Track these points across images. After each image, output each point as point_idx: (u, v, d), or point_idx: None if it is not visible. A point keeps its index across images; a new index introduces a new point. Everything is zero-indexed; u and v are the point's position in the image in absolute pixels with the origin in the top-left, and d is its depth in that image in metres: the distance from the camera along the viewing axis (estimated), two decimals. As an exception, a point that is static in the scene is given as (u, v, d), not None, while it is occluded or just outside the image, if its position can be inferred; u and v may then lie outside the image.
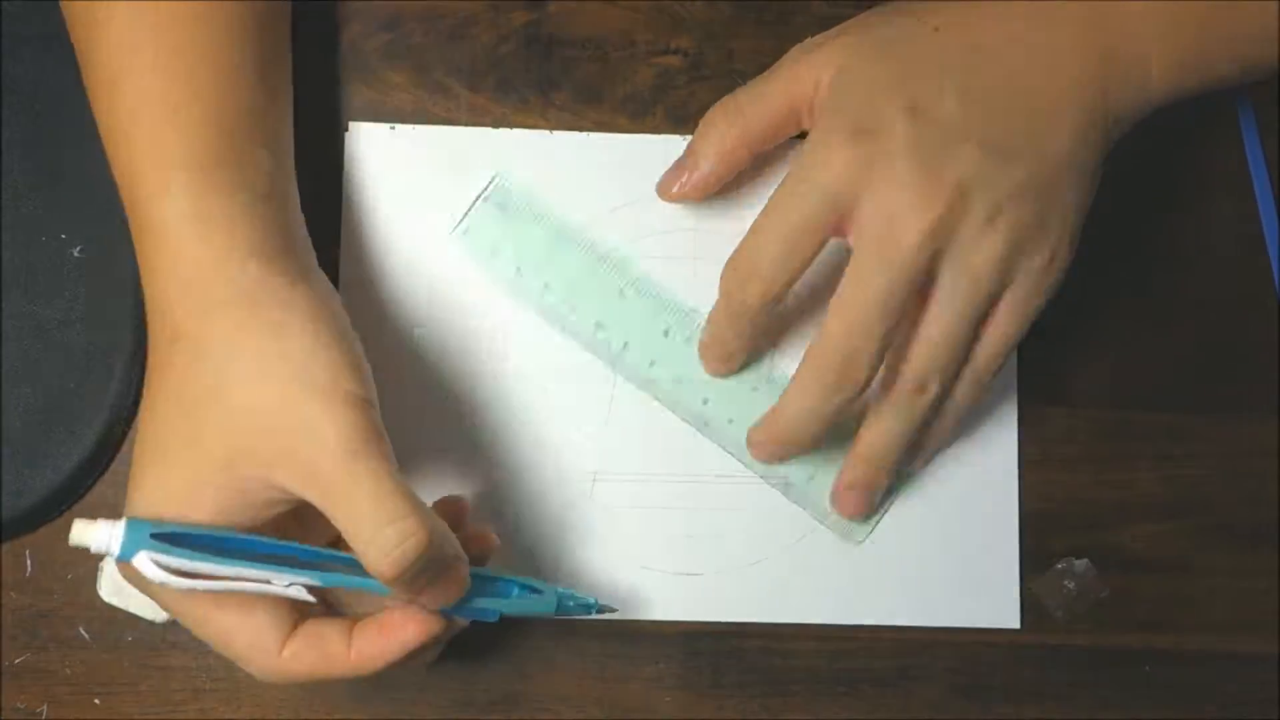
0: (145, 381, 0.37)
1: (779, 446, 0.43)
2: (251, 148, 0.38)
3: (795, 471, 0.46)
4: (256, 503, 0.36)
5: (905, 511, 0.46)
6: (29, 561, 0.45)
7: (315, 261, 0.40)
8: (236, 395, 0.35)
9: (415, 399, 0.45)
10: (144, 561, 0.34)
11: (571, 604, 0.41)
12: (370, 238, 0.46)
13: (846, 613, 0.46)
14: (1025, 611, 0.46)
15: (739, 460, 0.45)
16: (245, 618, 0.36)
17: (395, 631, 0.37)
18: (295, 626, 0.37)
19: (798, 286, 0.41)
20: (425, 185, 0.46)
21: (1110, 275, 0.48)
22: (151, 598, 0.37)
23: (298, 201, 0.41)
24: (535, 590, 0.40)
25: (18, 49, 0.45)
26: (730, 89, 0.47)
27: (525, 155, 0.47)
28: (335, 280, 0.46)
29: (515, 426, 0.46)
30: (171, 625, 0.44)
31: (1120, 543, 0.47)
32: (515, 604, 0.40)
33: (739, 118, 0.43)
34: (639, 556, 0.45)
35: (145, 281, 0.38)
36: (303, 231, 0.40)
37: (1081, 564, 0.47)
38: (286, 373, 0.35)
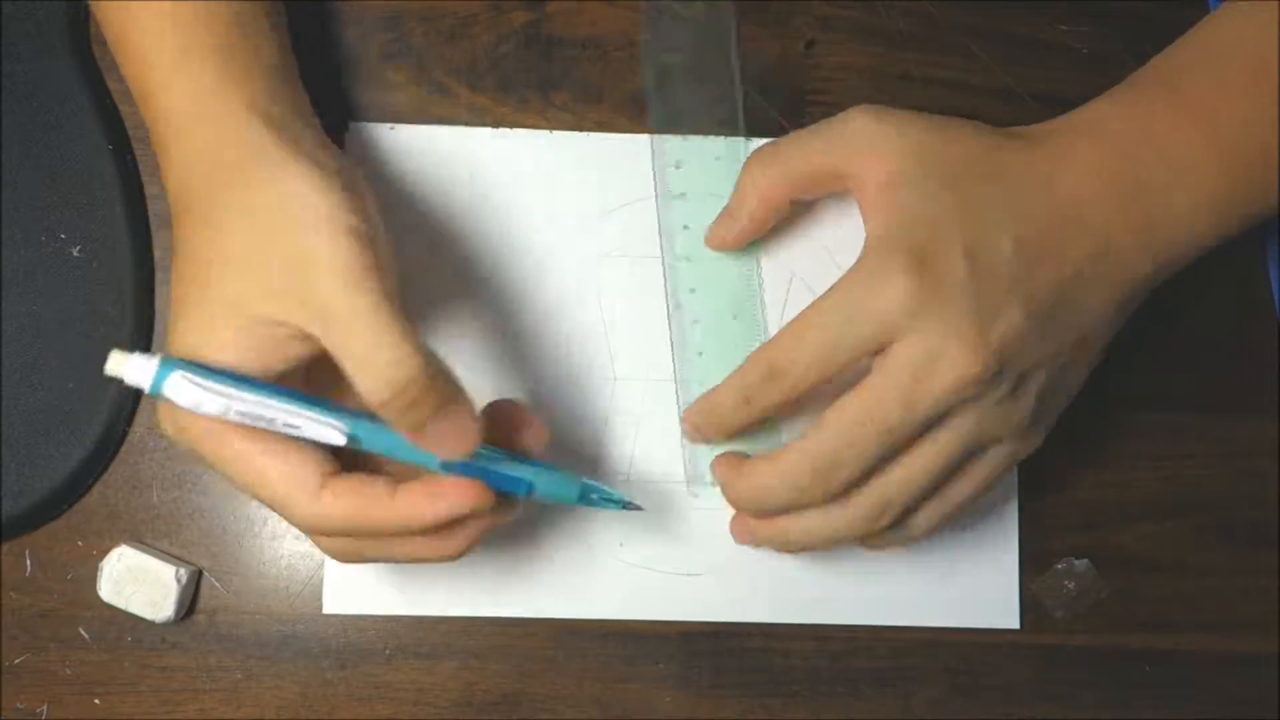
0: (171, 264, 0.39)
1: (734, 501, 0.42)
2: (257, 24, 0.40)
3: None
4: (274, 343, 0.36)
5: (905, 511, 0.46)
6: (29, 561, 0.45)
7: (322, 132, 0.40)
8: (242, 239, 0.36)
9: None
10: (177, 383, 0.34)
11: (596, 496, 0.40)
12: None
13: (846, 613, 0.46)
14: (1025, 611, 0.46)
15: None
16: (286, 455, 0.36)
17: (445, 493, 0.36)
18: (336, 472, 0.37)
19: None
20: (425, 185, 0.46)
21: (1110, 275, 0.48)
22: (187, 443, 0.37)
23: (297, 77, 0.41)
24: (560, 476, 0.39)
25: (18, 49, 0.45)
26: (730, 89, 0.47)
27: (525, 155, 0.47)
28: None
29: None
30: (171, 625, 0.44)
31: (1120, 543, 0.47)
32: (544, 477, 0.39)
33: (776, 159, 0.42)
34: (639, 557, 0.45)
35: (165, 170, 0.39)
36: (308, 105, 0.41)
37: (1081, 564, 0.47)
38: (289, 211, 0.36)
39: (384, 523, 0.37)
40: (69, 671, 0.45)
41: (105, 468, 0.45)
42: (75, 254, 0.45)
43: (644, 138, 0.47)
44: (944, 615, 0.46)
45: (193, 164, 0.38)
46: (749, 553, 0.46)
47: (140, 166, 0.46)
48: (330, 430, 0.36)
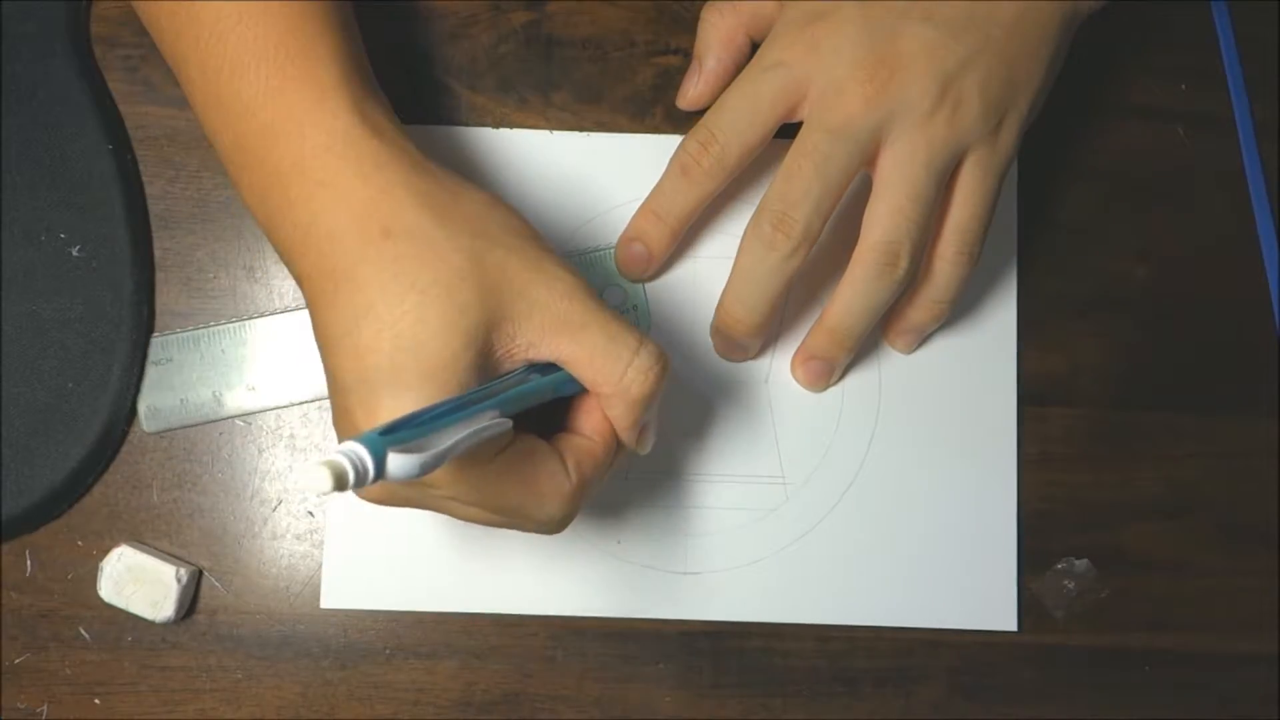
0: (327, 318, 0.35)
1: (727, 315, 0.43)
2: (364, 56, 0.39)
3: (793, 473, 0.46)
4: (496, 370, 0.36)
5: (905, 512, 0.46)
6: (29, 561, 0.45)
7: None
8: (488, 261, 0.35)
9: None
10: (398, 464, 0.30)
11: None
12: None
13: (846, 613, 0.46)
14: (1026, 612, 0.46)
15: None
16: (535, 464, 0.37)
17: (597, 406, 0.38)
18: (560, 455, 0.38)
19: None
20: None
21: (1110, 275, 0.48)
22: (435, 508, 0.37)
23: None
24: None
25: (18, 49, 0.45)
26: (730, 89, 0.47)
27: (525, 155, 0.47)
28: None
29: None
30: (172, 625, 0.44)
31: (1120, 543, 0.47)
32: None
33: (728, 5, 0.44)
34: (639, 556, 0.45)
35: (314, 216, 0.35)
36: None
37: (1081, 564, 0.47)
38: (518, 235, 0.36)
39: (606, 462, 0.38)
40: (69, 671, 0.45)
41: (105, 467, 0.45)
42: (75, 254, 0.45)
43: (645, 138, 0.47)
44: (942, 616, 0.46)
45: (390, 186, 0.35)
46: (749, 553, 0.46)
47: (140, 166, 0.46)
48: (501, 421, 0.35)
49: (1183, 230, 0.49)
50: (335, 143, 0.36)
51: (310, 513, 0.45)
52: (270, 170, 0.36)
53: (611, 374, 0.36)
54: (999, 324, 0.47)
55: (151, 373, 0.45)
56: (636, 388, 0.37)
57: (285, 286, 0.46)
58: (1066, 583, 0.47)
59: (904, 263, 0.41)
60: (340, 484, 0.28)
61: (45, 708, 0.44)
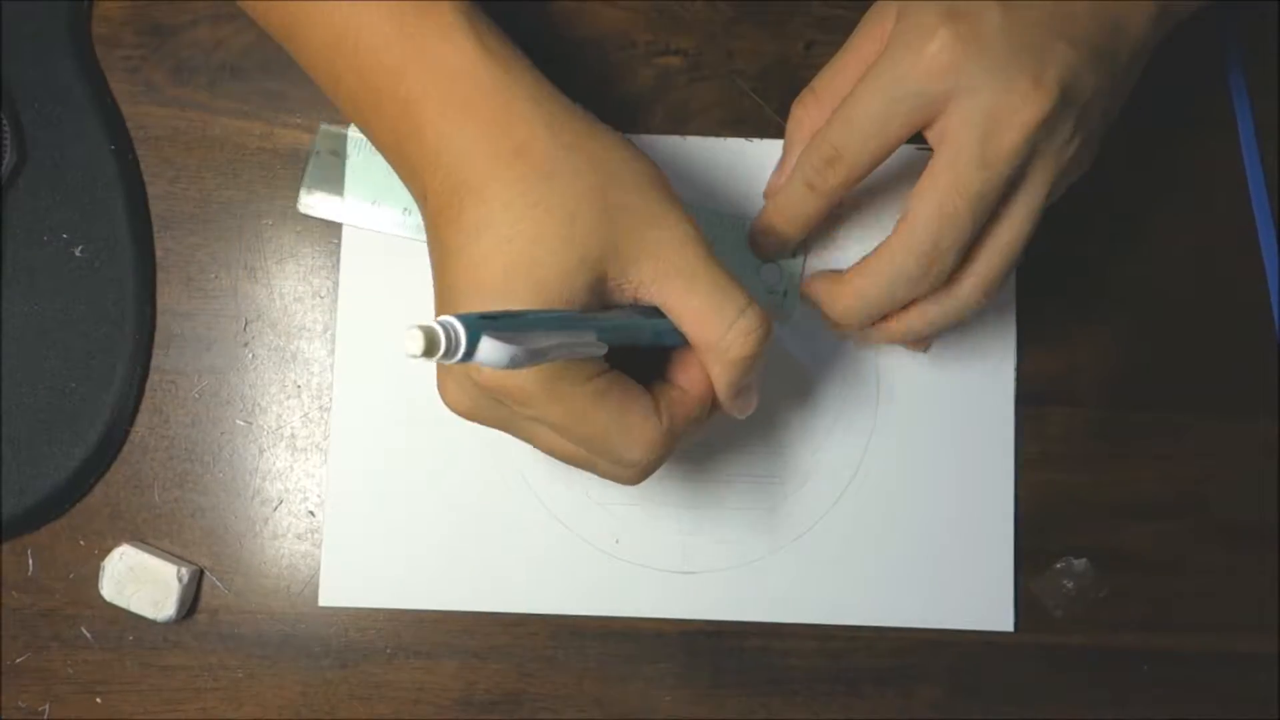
0: (448, 231, 0.36)
1: (846, 313, 0.42)
2: None
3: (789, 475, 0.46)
4: (605, 303, 0.36)
5: (903, 512, 0.46)
6: (30, 561, 0.45)
7: None
8: (611, 197, 0.36)
9: (426, 389, 0.45)
10: (490, 349, 0.30)
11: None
12: (370, 238, 0.46)
13: (846, 613, 0.46)
14: (1025, 612, 0.46)
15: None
16: (627, 399, 0.36)
17: (695, 360, 0.38)
18: (654, 398, 0.37)
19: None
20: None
21: (1110, 275, 0.48)
22: (520, 432, 0.37)
23: None
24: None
25: (19, 49, 0.45)
26: (730, 89, 0.47)
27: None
28: (336, 273, 0.46)
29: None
30: (173, 624, 0.44)
31: (1120, 543, 0.47)
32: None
33: (811, 97, 0.43)
34: (638, 556, 0.46)
35: (446, 138, 0.36)
36: None
37: (1081, 564, 0.47)
38: (645, 179, 0.37)
39: (698, 419, 0.38)
40: (70, 671, 0.45)
41: (107, 467, 0.45)
42: (78, 254, 0.45)
43: (645, 138, 0.47)
44: (939, 617, 0.46)
45: (476, 122, 0.36)
46: (749, 552, 0.46)
47: (141, 167, 0.46)
48: (599, 345, 0.35)
49: (1182, 230, 0.49)
50: (466, 70, 0.36)
51: (311, 512, 0.46)
52: (400, 100, 0.37)
53: (713, 331, 0.36)
54: (999, 324, 0.47)
55: (355, 159, 0.46)
56: (736, 348, 0.36)
57: (285, 286, 0.46)
58: (1066, 582, 0.47)
59: (1000, 286, 0.41)
60: (430, 349, 0.28)
61: (46, 707, 0.44)
